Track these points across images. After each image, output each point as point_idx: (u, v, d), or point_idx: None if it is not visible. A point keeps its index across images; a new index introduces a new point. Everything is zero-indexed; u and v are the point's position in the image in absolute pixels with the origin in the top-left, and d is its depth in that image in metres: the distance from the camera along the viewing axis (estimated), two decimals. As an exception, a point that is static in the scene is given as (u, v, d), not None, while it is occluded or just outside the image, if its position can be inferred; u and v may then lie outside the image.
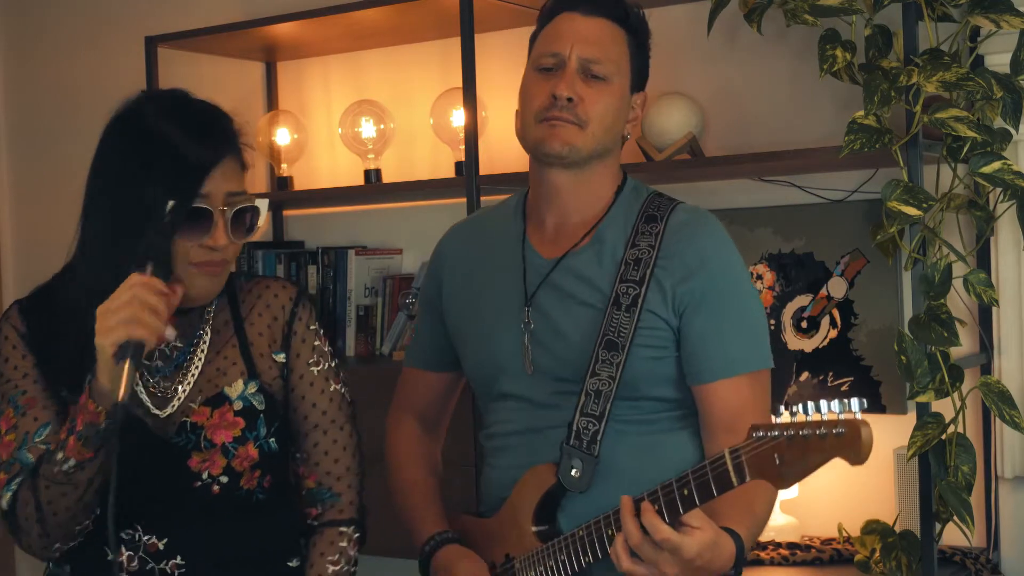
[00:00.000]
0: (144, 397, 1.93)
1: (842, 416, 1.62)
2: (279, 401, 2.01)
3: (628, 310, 2.02)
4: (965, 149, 2.59)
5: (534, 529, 2.05)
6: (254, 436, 1.95)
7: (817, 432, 1.62)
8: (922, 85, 2.53)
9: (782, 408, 1.67)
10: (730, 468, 1.72)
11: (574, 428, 2.02)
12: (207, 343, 1.98)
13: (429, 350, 2.31)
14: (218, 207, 1.87)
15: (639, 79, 2.14)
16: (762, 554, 2.87)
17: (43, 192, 4.25)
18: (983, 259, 2.88)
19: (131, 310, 1.73)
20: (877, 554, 2.69)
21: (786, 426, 1.65)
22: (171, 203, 1.83)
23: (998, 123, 2.67)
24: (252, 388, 1.98)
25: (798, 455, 1.64)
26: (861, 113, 2.56)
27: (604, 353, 2.01)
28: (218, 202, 1.87)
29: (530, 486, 2.06)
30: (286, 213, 3.82)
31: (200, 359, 1.97)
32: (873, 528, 2.73)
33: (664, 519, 1.78)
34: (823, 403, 1.64)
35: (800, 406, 1.65)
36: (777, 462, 1.66)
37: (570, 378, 2.05)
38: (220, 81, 3.84)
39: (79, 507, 1.86)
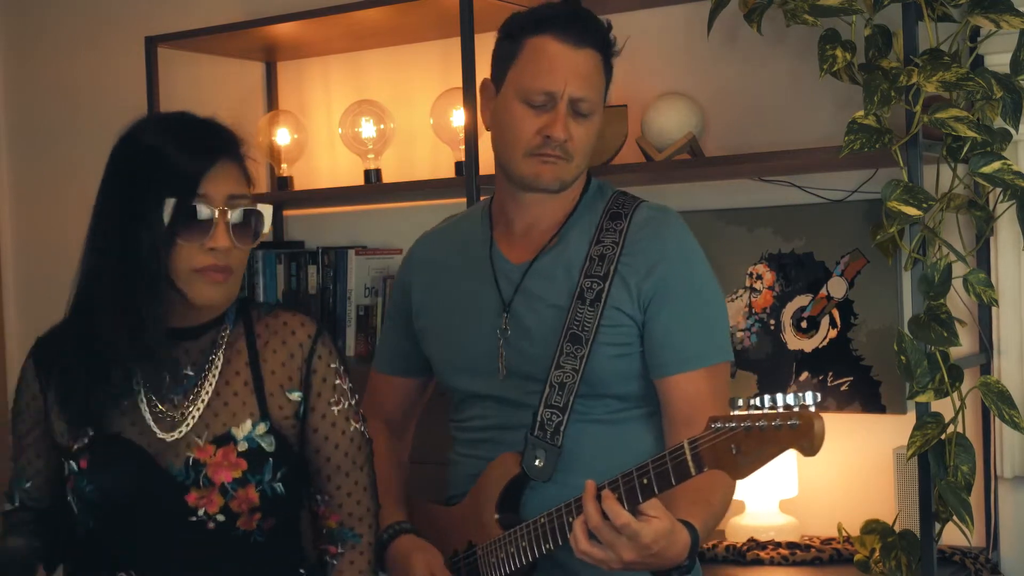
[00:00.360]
0: (150, 421, 1.92)
1: (796, 409, 1.67)
2: (292, 443, 1.97)
3: (592, 304, 2.05)
4: (965, 149, 2.59)
5: (497, 516, 2.07)
6: (257, 480, 1.91)
7: (773, 424, 1.67)
8: (922, 85, 2.53)
9: (739, 401, 1.72)
10: (688, 458, 1.76)
11: (538, 419, 2.05)
12: (219, 369, 1.95)
13: (396, 356, 2.33)
14: (218, 207, 1.86)
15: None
16: (762, 554, 2.87)
17: (43, 192, 4.24)
18: (983, 259, 2.88)
19: None
20: (877, 554, 2.68)
21: (743, 418, 1.70)
22: (171, 201, 1.82)
23: (998, 123, 2.67)
24: (261, 429, 1.93)
25: (754, 446, 1.69)
26: (861, 113, 2.57)
27: (568, 346, 2.05)
28: (218, 203, 1.86)
29: (495, 475, 2.09)
30: (286, 213, 3.81)
31: (211, 384, 1.94)
32: (873, 528, 2.72)
33: (624, 507, 1.82)
34: (779, 396, 1.69)
35: (757, 399, 1.70)
36: (734, 452, 1.71)
37: (540, 377, 2.08)
38: (220, 81, 3.84)
39: None
